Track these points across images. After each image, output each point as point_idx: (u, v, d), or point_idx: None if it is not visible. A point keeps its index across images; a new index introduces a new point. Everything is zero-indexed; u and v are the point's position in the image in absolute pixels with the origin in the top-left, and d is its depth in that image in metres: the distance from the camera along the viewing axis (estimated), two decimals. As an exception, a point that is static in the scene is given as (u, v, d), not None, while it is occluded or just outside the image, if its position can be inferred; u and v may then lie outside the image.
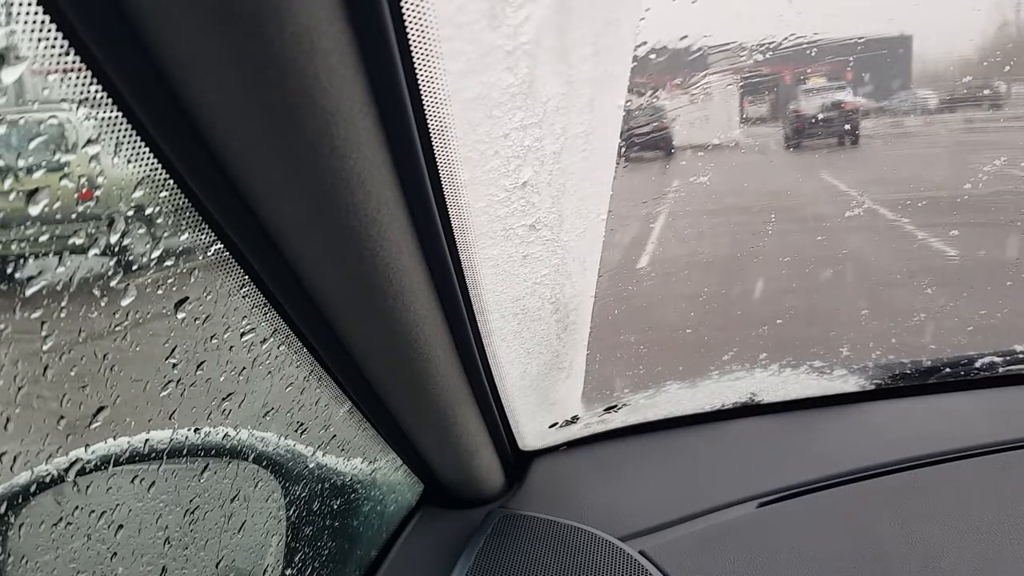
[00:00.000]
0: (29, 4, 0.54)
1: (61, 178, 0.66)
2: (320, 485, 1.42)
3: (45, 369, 0.72)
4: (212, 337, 0.93)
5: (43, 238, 0.66)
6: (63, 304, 0.70)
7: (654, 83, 2.05)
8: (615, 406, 1.88)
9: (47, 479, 0.86)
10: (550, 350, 1.48)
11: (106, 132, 0.64)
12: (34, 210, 0.64)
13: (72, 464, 0.84)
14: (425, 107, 0.78)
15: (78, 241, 0.69)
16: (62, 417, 0.77)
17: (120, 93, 0.62)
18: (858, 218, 5.17)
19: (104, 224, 0.71)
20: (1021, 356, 1.96)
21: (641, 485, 1.69)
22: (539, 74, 0.96)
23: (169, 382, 0.90)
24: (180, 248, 0.79)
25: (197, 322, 0.88)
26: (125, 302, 0.77)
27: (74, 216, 0.68)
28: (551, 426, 1.76)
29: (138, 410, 0.90)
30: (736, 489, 1.60)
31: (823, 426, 1.86)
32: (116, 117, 0.64)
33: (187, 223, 0.77)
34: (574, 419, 1.79)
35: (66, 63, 0.57)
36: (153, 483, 1.03)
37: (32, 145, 0.62)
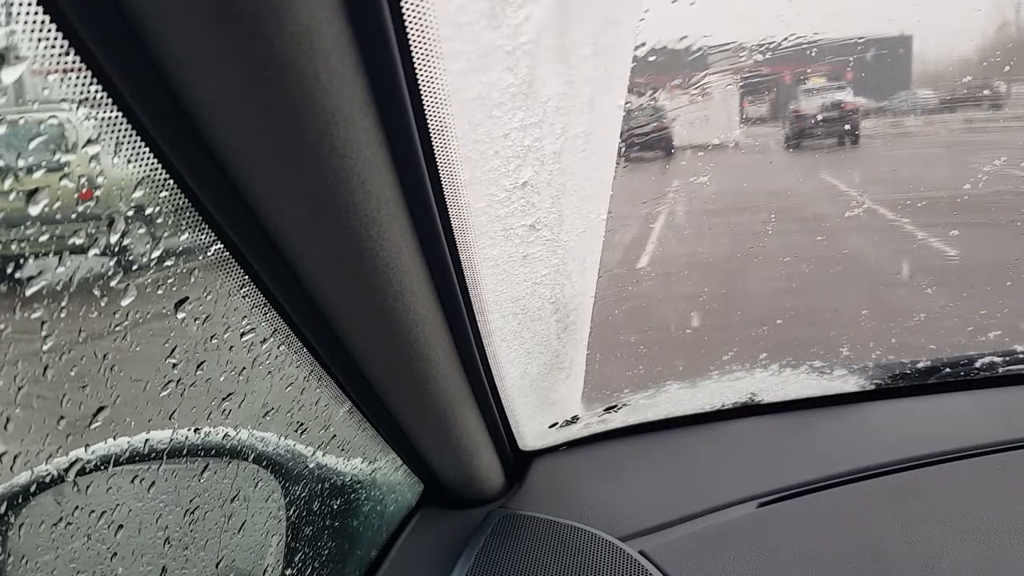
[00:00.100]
0: (29, 4, 0.54)
1: (61, 178, 0.66)
2: (320, 485, 1.42)
3: (45, 369, 0.72)
4: (212, 337, 0.93)
5: (43, 238, 0.66)
6: (63, 304, 0.70)
7: (654, 83, 2.05)
8: (615, 406, 1.88)
9: (47, 479, 0.86)
10: (550, 350, 1.48)
11: (106, 132, 0.64)
12: (34, 210, 0.64)
13: (72, 464, 0.84)
14: (425, 107, 0.78)
15: (78, 241, 0.69)
16: (62, 417, 0.77)
17: (120, 93, 0.62)
18: (858, 218, 5.17)
19: (104, 224, 0.71)
20: (1021, 356, 1.96)
21: (641, 485, 1.69)
22: (539, 74, 0.96)
23: (169, 382, 0.90)
24: (180, 248, 0.79)
25: (197, 322, 0.88)
26: (125, 302, 0.77)
27: (74, 216, 0.68)
28: (551, 426, 1.76)
29: (138, 410, 0.90)
30: (736, 489, 1.60)
31: (823, 426, 1.86)
32: (116, 117, 0.64)
33: (187, 223, 0.77)
34: (574, 419, 1.79)
35: (66, 63, 0.57)
36: (153, 483, 1.03)
37: (32, 145, 0.62)
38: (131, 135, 0.66)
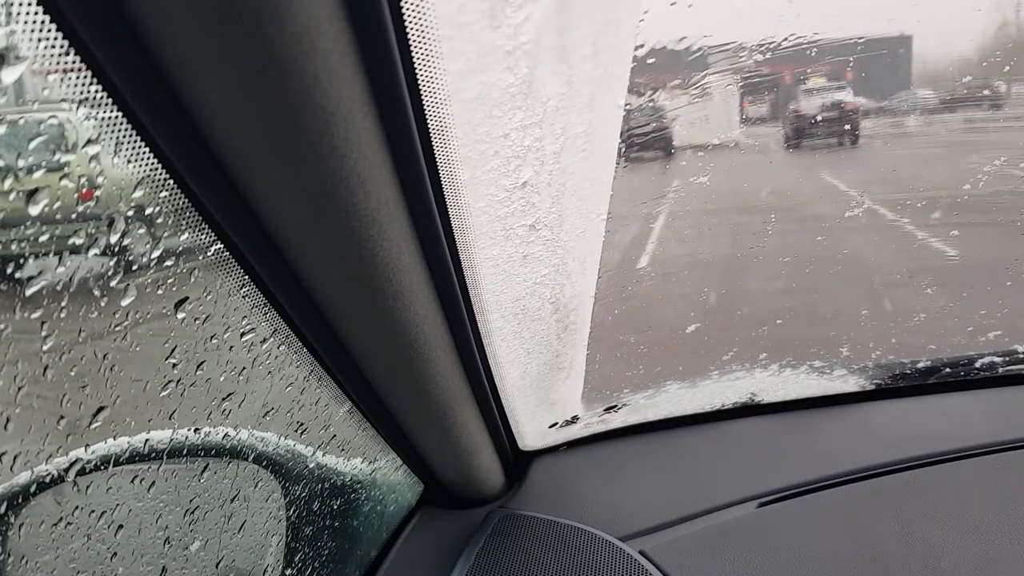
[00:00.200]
0: (29, 4, 0.54)
1: (61, 178, 0.66)
2: (320, 485, 1.42)
3: (45, 369, 0.72)
4: (212, 337, 0.93)
5: (43, 238, 0.66)
6: (63, 304, 0.70)
7: (654, 83, 2.05)
8: (615, 406, 1.88)
9: (47, 479, 0.86)
10: (550, 350, 1.48)
11: (106, 132, 0.64)
12: (34, 210, 0.64)
13: (72, 464, 0.84)
14: (425, 107, 0.78)
15: (78, 241, 0.69)
16: (62, 417, 0.77)
17: (120, 93, 0.62)
18: (858, 218, 5.16)
19: (104, 224, 0.71)
20: (1021, 356, 1.96)
21: (641, 485, 1.69)
22: (539, 74, 0.96)
23: (169, 382, 0.90)
24: (180, 248, 0.79)
25: (197, 322, 0.88)
26: (125, 302, 0.77)
27: (74, 216, 0.68)
28: (551, 426, 1.76)
29: (138, 410, 0.90)
30: (736, 489, 1.60)
31: (823, 426, 1.86)
32: (116, 117, 0.64)
33: (187, 223, 0.77)
34: (574, 419, 1.79)
35: (66, 63, 0.57)
36: (153, 483, 1.03)
37: (32, 145, 0.62)
38: (131, 135, 0.66)
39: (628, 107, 1.31)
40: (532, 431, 1.70)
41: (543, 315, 1.36)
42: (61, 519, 0.92)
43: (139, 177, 0.69)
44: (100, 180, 0.68)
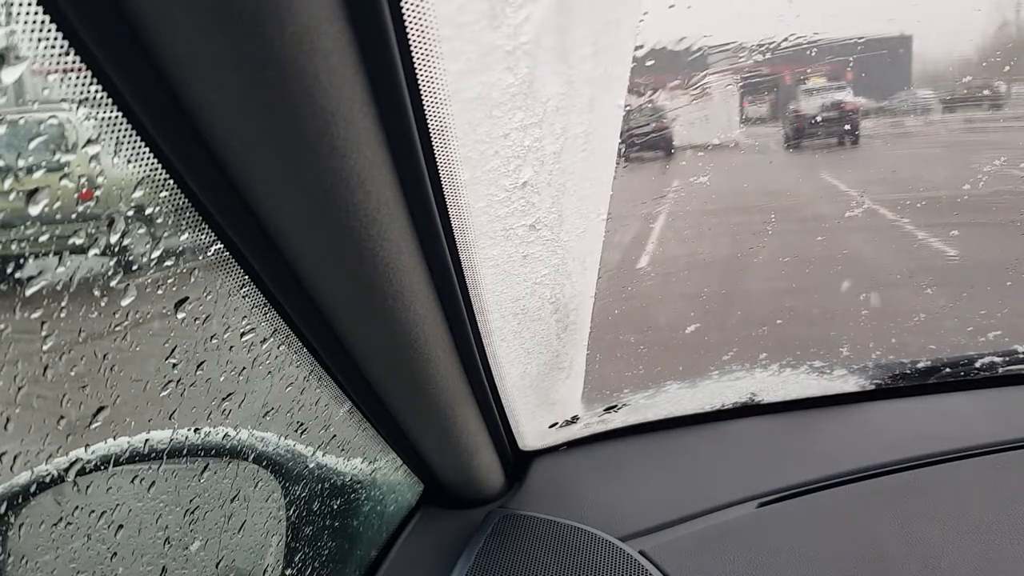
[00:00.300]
0: (29, 4, 0.54)
1: (61, 178, 0.66)
2: (320, 485, 1.42)
3: (45, 369, 0.72)
4: (212, 337, 0.93)
5: (43, 238, 0.66)
6: (63, 304, 0.70)
7: (654, 83, 2.05)
8: (615, 406, 1.88)
9: (47, 479, 0.86)
10: (550, 350, 1.48)
11: (106, 132, 0.64)
12: (34, 210, 0.64)
13: (72, 464, 0.84)
14: (425, 107, 0.78)
15: (78, 241, 0.69)
16: (62, 417, 0.77)
17: (120, 93, 0.62)
18: (858, 218, 5.17)
19: (104, 224, 0.71)
20: (1021, 356, 1.96)
21: (641, 485, 1.69)
22: (539, 74, 0.96)
23: (169, 382, 0.90)
24: (180, 248, 0.79)
25: (197, 322, 0.88)
26: (125, 302, 0.77)
27: (74, 216, 0.68)
28: (551, 426, 1.76)
29: (138, 410, 0.89)
30: (736, 489, 1.60)
31: (823, 426, 1.86)
32: (116, 117, 0.64)
33: (187, 223, 0.77)
34: (574, 419, 1.79)
35: (66, 63, 0.57)
36: (153, 483, 1.03)
37: (32, 145, 0.62)
38: (131, 135, 0.66)
39: (628, 107, 1.31)
40: (532, 431, 1.70)
41: (543, 315, 1.36)
42: (61, 519, 0.92)
43: (139, 177, 0.69)
44: (100, 180, 0.68)
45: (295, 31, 0.60)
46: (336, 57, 0.65)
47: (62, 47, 0.56)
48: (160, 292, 0.82)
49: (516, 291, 1.23)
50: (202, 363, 0.93)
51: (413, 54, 0.73)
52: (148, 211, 0.73)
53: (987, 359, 1.96)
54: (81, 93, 0.60)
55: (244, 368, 1.00)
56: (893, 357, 2.06)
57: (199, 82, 0.63)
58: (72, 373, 0.76)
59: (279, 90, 0.63)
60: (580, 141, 1.15)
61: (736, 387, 1.94)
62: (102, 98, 0.61)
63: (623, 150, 1.35)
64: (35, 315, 0.68)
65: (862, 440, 1.77)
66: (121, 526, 0.98)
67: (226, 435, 1.16)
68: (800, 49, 2.33)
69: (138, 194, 0.70)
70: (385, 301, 0.94)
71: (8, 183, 0.61)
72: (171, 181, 0.72)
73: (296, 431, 1.27)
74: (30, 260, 0.66)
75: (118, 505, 0.97)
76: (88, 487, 0.91)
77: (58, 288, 0.68)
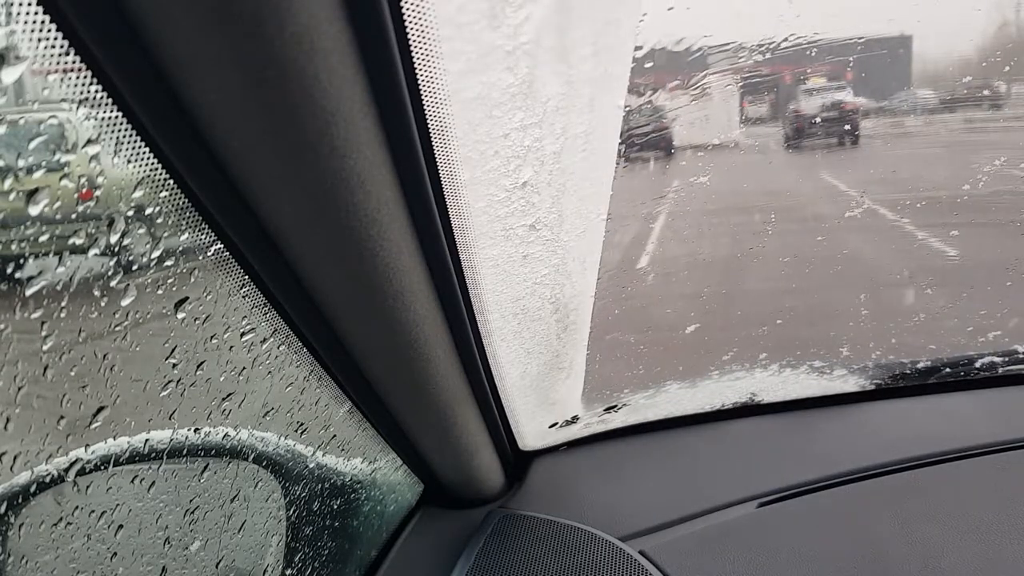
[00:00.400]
0: (29, 4, 0.54)
1: (61, 178, 0.66)
2: (320, 485, 1.42)
3: (45, 369, 0.72)
4: (212, 337, 0.93)
5: (43, 238, 0.66)
6: (63, 304, 0.70)
7: (654, 83, 2.05)
8: (615, 406, 1.88)
9: (47, 479, 0.86)
10: (550, 350, 1.48)
11: (106, 132, 0.64)
12: (34, 210, 0.64)
13: (72, 464, 0.84)
14: (425, 107, 0.78)
15: (78, 241, 0.69)
16: (62, 417, 0.77)
17: (120, 93, 0.62)
18: (858, 218, 5.16)
19: (104, 224, 0.71)
20: (1021, 356, 1.97)
21: (641, 485, 1.69)
22: (539, 74, 0.96)
23: (169, 382, 0.90)
24: (180, 248, 0.79)
25: (197, 322, 0.88)
26: (125, 302, 0.77)
27: (74, 216, 0.68)
28: (551, 426, 1.76)
29: (138, 410, 0.89)
30: (736, 489, 1.60)
31: (823, 426, 1.86)
32: (116, 117, 0.64)
33: (187, 223, 0.77)
34: (574, 419, 1.79)
35: (66, 63, 0.57)
36: (153, 483, 1.03)
37: (32, 145, 0.62)
38: (131, 135, 0.66)
39: (628, 107, 1.31)
40: (532, 431, 1.70)
41: (543, 315, 1.36)
42: (61, 519, 0.92)
43: (139, 177, 0.69)
44: (100, 180, 0.68)
45: (295, 31, 0.60)
46: (336, 57, 0.65)
47: (62, 47, 0.56)
48: (160, 292, 0.82)
49: (516, 291, 1.23)
50: (202, 363, 0.93)
51: (413, 54, 0.73)
52: (148, 211, 0.73)
53: (987, 359, 1.96)
54: (81, 93, 0.60)
55: (244, 368, 1.00)
56: (893, 357, 2.06)
57: (199, 82, 0.63)
58: (72, 373, 0.76)
59: (279, 90, 0.63)
60: (580, 141, 1.15)
61: (736, 387, 1.94)
62: (102, 98, 0.62)
63: (623, 150, 1.35)
64: (35, 315, 0.68)
65: (862, 440, 1.77)
66: (121, 526, 0.98)
67: (226, 435, 1.16)
68: (800, 49, 2.33)
69: (138, 194, 0.70)
70: (385, 301, 0.94)
71: (8, 183, 0.61)
72: (171, 181, 0.72)
73: (296, 431, 1.27)
74: (30, 260, 0.66)
75: (118, 505, 0.97)
76: (88, 487, 0.91)
77: (58, 288, 0.68)
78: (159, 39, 0.59)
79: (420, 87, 0.76)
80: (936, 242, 5.38)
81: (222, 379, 0.98)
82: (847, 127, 7.83)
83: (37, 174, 0.63)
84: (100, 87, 0.61)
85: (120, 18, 0.57)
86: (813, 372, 1.99)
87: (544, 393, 1.60)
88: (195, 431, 1.04)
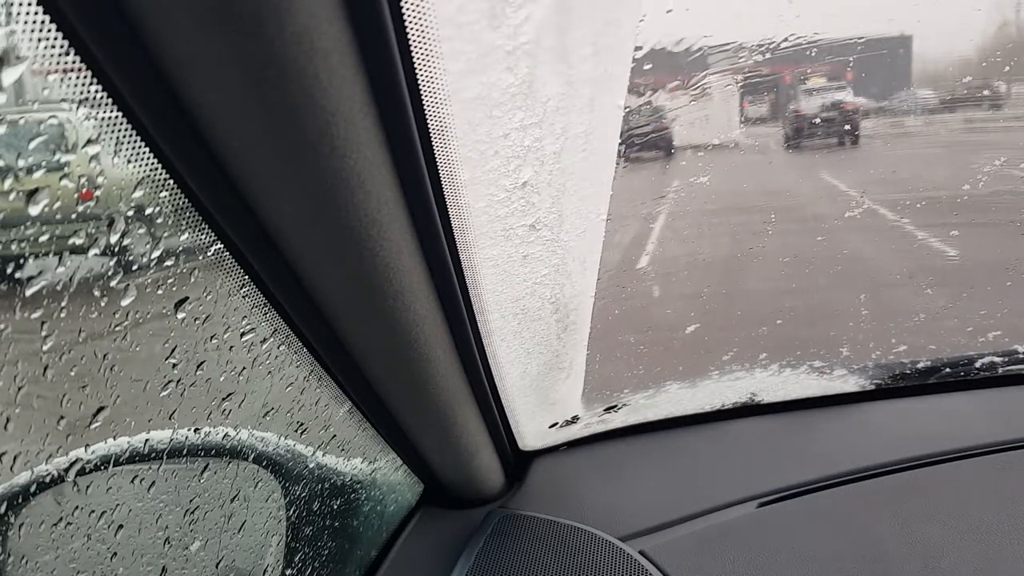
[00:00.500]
0: (29, 4, 0.54)
1: (61, 178, 0.66)
2: (320, 485, 1.42)
3: (45, 369, 0.72)
4: (212, 337, 0.93)
5: (43, 238, 0.66)
6: (63, 304, 0.70)
7: (654, 83, 2.05)
8: (615, 406, 1.88)
9: (47, 479, 0.86)
10: (550, 350, 1.48)
11: (106, 132, 0.64)
12: (34, 210, 0.64)
13: (72, 464, 0.84)
14: (425, 107, 0.78)
15: (78, 241, 0.69)
16: (62, 417, 0.77)
17: (120, 93, 0.62)
18: (858, 218, 5.16)
19: (104, 224, 0.71)
20: (1021, 356, 1.96)
21: (641, 485, 1.69)
22: (539, 74, 0.96)
23: (169, 382, 0.90)
24: (180, 248, 0.79)
25: (197, 322, 0.88)
26: (125, 302, 0.77)
27: (74, 216, 0.68)
28: (551, 426, 1.76)
29: (138, 410, 0.90)
30: (736, 489, 1.60)
31: (823, 426, 1.86)
32: (116, 117, 0.64)
33: (187, 223, 0.77)
34: (574, 419, 1.79)
35: (66, 63, 0.57)
36: (153, 483, 1.03)
37: (32, 145, 0.62)
38: (131, 135, 0.66)
39: (628, 108, 1.31)
40: (532, 431, 1.70)
41: (543, 315, 1.36)
42: (61, 519, 0.92)
43: (139, 177, 0.69)
44: (100, 180, 0.68)
45: (295, 31, 0.60)
46: (336, 57, 0.65)
47: (62, 47, 0.56)
48: (160, 292, 0.82)
49: (516, 291, 1.23)
50: (202, 363, 0.93)
51: (413, 54, 0.73)
52: (148, 211, 0.73)
53: (987, 359, 1.96)
54: (81, 93, 0.60)
55: (244, 368, 1.00)
56: (893, 357, 2.06)
57: (199, 82, 0.63)
58: (72, 373, 0.76)
59: (279, 90, 0.63)
60: (580, 141, 1.15)
61: (736, 387, 1.94)
62: (102, 98, 0.62)
63: (623, 150, 1.35)
64: (35, 315, 0.68)
65: (862, 440, 1.77)
66: (121, 526, 0.98)
67: (226, 435, 1.16)
68: (800, 49, 2.33)
69: (138, 194, 0.70)
70: (385, 301, 0.94)
71: (8, 183, 0.61)
72: (171, 181, 0.72)
73: (296, 431, 1.27)
74: (30, 260, 0.66)
75: (118, 505, 0.97)
76: (88, 487, 0.91)
77: (58, 288, 0.68)
78: (159, 39, 0.59)
79: (420, 87, 0.76)
80: (936, 242, 5.38)
81: (222, 379, 0.98)
82: (847, 127, 7.83)
83: (37, 174, 0.63)
84: (100, 87, 0.61)
85: (120, 18, 0.57)
86: (813, 372, 1.99)
87: (544, 393, 1.60)
88: (195, 431, 1.05)
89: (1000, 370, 1.94)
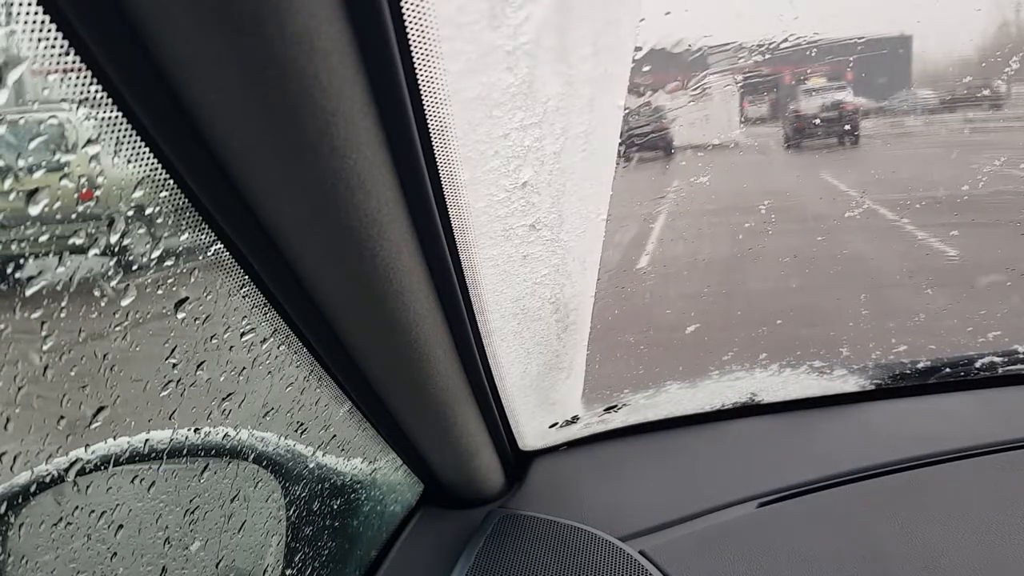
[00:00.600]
0: (29, 4, 0.54)
1: (61, 178, 0.66)
2: (320, 485, 1.42)
3: (45, 369, 0.72)
4: (212, 337, 0.93)
5: (43, 238, 0.66)
6: (63, 304, 0.70)
7: (654, 83, 2.05)
8: (615, 406, 1.88)
9: (47, 479, 0.87)
10: (550, 350, 1.48)
11: (106, 132, 0.64)
12: (34, 210, 0.64)
13: (72, 464, 0.84)
14: (425, 107, 0.78)
15: (78, 241, 0.69)
16: (62, 417, 0.77)
17: (120, 93, 0.62)
18: (858, 218, 5.16)
19: (104, 224, 0.71)
20: (1021, 356, 1.96)
21: (641, 485, 1.69)
22: (539, 74, 0.96)
23: (169, 382, 0.90)
24: (180, 248, 0.79)
25: (197, 322, 0.88)
26: (125, 302, 0.78)
27: (74, 216, 0.68)
28: (551, 426, 1.76)
29: (138, 410, 0.90)
30: (736, 489, 1.60)
31: (823, 426, 1.86)
32: (116, 117, 0.64)
33: (187, 223, 0.77)
34: (574, 419, 1.79)
35: (66, 63, 0.57)
36: (153, 483, 1.03)
37: (32, 145, 0.62)
38: (131, 135, 0.66)
39: (628, 108, 1.31)
40: (532, 431, 1.70)
41: (543, 315, 1.36)
42: (61, 519, 0.92)
43: (139, 177, 0.69)
44: (100, 180, 0.68)
45: (295, 31, 0.60)
46: (336, 57, 0.65)
47: (62, 47, 0.56)
48: (160, 292, 0.82)
49: (516, 291, 1.23)
50: (202, 363, 0.93)
51: (413, 54, 0.73)
52: (148, 211, 0.73)
53: (987, 359, 1.96)
54: (81, 93, 0.60)
55: (244, 368, 1.00)
56: (893, 357, 2.06)
57: (199, 82, 0.63)
58: (72, 373, 0.76)
59: (279, 90, 0.63)
60: (580, 141, 1.15)
61: (736, 387, 1.94)
62: (102, 98, 0.62)
63: (623, 150, 1.35)
64: (35, 315, 0.68)
65: (862, 440, 1.77)
66: (121, 526, 0.98)
67: (226, 435, 1.17)
68: (800, 49, 2.33)
69: (138, 194, 0.70)
70: (385, 301, 0.94)
71: (8, 183, 0.61)
72: (171, 181, 0.72)
73: (296, 431, 1.27)
74: (30, 260, 0.66)
75: (118, 505, 0.97)
76: (88, 487, 0.91)
77: (58, 288, 0.69)
78: (159, 39, 0.59)
79: (420, 87, 0.76)
80: (936, 242, 5.38)
81: (222, 379, 0.98)
82: (847, 127, 7.84)
83: (37, 174, 0.63)
84: (100, 87, 0.61)
85: (120, 18, 0.57)
86: (813, 372, 1.99)
87: (544, 393, 1.60)
88: (195, 431, 1.05)
89: (1000, 370, 1.94)
